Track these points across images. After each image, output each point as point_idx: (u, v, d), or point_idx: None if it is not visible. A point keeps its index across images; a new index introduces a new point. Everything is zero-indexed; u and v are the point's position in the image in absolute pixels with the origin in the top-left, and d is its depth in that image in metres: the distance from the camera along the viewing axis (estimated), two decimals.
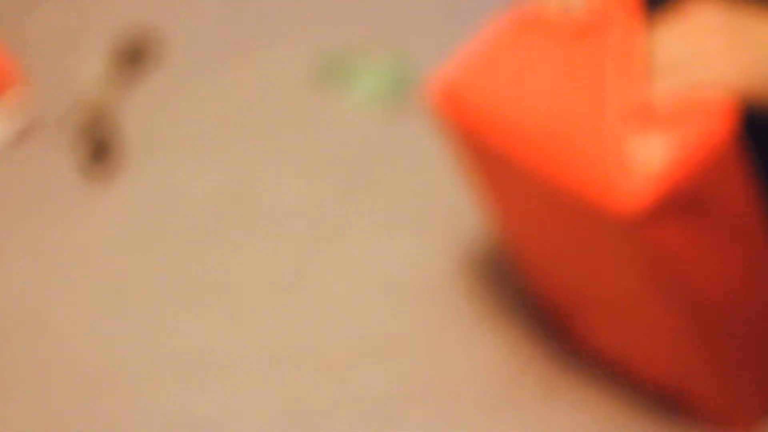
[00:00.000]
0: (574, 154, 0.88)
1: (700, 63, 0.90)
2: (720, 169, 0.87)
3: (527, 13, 0.95)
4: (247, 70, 1.36)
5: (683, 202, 0.87)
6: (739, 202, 0.90)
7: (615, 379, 1.04)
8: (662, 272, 0.89)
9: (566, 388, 1.05)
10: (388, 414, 1.04)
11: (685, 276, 0.90)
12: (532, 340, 1.08)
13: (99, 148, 1.28)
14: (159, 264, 1.17)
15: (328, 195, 1.22)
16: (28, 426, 1.04)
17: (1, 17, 1.45)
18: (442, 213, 1.19)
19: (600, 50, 0.91)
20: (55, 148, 1.29)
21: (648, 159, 0.86)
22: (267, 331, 1.11)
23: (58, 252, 1.18)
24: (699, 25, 0.91)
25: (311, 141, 1.28)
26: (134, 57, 1.39)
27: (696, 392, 0.99)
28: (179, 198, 1.23)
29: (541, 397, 1.04)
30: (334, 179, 1.24)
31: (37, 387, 1.07)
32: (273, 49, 1.38)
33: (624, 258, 0.90)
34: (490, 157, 0.96)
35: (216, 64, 1.37)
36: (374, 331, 1.10)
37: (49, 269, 1.17)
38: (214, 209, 1.21)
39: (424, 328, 1.10)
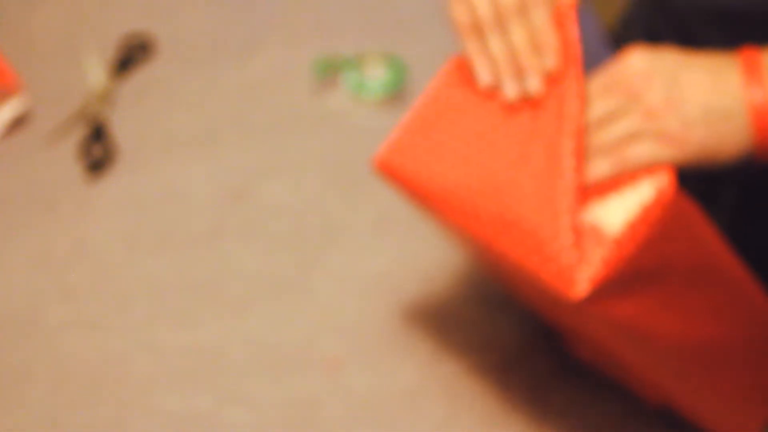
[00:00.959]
0: (514, 230, 0.86)
1: (627, 131, 0.86)
2: (666, 233, 0.84)
3: (465, 78, 0.93)
4: (245, 70, 1.36)
5: (635, 273, 0.84)
6: (698, 254, 0.87)
7: (609, 383, 1.04)
8: (628, 333, 0.87)
9: (560, 388, 1.05)
10: (385, 414, 1.04)
11: (655, 330, 0.87)
12: (527, 341, 1.08)
13: (97, 147, 1.28)
14: (157, 262, 1.17)
15: (325, 194, 1.22)
16: (26, 423, 1.04)
17: (0, 18, 1.45)
18: None
19: (539, 121, 0.88)
20: (54, 147, 1.29)
21: (590, 234, 0.84)
22: (264, 329, 1.11)
23: (56, 249, 1.18)
24: (624, 83, 0.87)
25: (308, 140, 1.28)
26: (133, 57, 1.39)
27: (687, 414, 0.99)
28: (178, 197, 1.23)
29: (535, 397, 1.04)
30: (330, 179, 1.24)
31: (34, 384, 1.07)
32: (271, 50, 1.39)
33: (586, 322, 0.88)
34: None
35: (215, 65, 1.37)
36: (372, 330, 1.10)
37: (46, 266, 1.17)
38: (213, 208, 1.22)
39: (421, 328, 1.10)
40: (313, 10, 1.44)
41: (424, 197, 0.93)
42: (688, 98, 0.86)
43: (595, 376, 1.04)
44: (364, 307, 1.12)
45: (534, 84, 0.91)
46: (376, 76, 1.33)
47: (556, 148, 0.86)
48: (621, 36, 1.23)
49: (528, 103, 0.90)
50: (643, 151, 0.86)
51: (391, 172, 0.95)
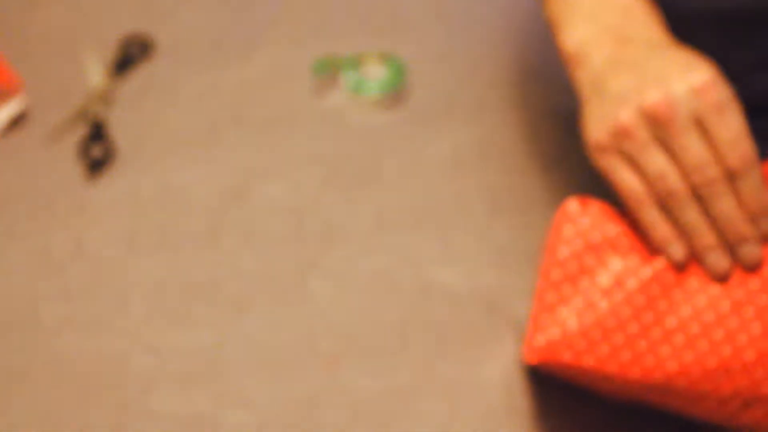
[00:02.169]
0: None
1: None
2: None
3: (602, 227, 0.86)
4: (245, 70, 1.36)
5: None
6: None
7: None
8: None
9: (560, 388, 1.05)
10: (384, 414, 1.04)
11: None
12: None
13: (97, 147, 1.28)
14: (156, 262, 1.17)
15: (325, 194, 1.22)
16: (23, 424, 1.04)
17: (0, 18, 1.45)
18: (439, 212, 1.19)
19: (753, 286, 0.83)
20: (53, 147, 1.29)
21: None
22: (263, 329, 1.11)
23: (55, 249, 1.18)
24: None
25: (308, 140, 1.28)
26: (133, 57, 1.39)
27: None
28: (177, 197, 1.23)
29: (535, 397, 1.04)
30: (330, 178, 1.24)
31: (31, 385, 1.07)
32: (271, 50, 1.38)
33: None
34: None
35: (215, 65, 1.37)
36: (371, 330, 1.10)
37: (45, 266, 1.17)
38: (212, 207, 1.21)
39: (421, 328, 1.10)
40: (313, 10, 1.43)
41: (620, 385, 0.86)
42: None
43: None
44: (363, 307, 1.12)
45: (755, 253, 0.83)
46: (376, 76, 1.33)
47: None
48: None
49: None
50: None
51: (562, 364, 0.87)
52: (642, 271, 0.85)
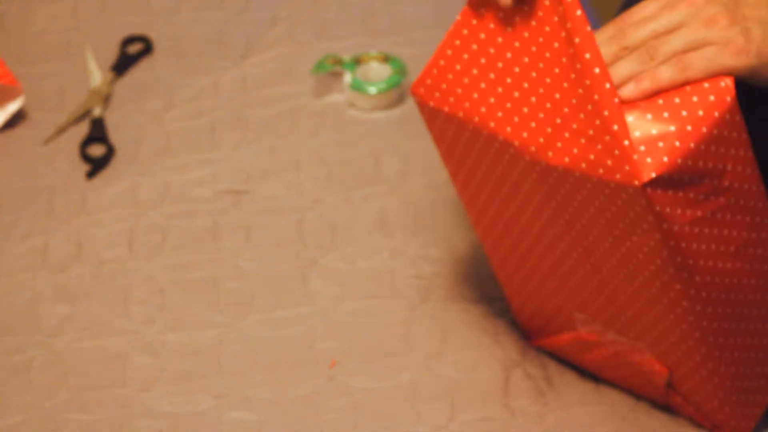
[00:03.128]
0: (569, 133, 0.88)
1: (690, 39, 0.89)
2: (723, 136, 0.87)
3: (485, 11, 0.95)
4: (245, 70, 1.36)
5: (693, 173, 0.87)
6: (741, 173, 0.90)
7: (608, 381, 1.04)
8: (669, 245, 0.89)
9: (560, 388, 1.05)
10: (385, 414, 1.04)
11: (691, 252, 0.90)
12: (527, 340, 1.08)
13: (97, 147, 1.28)
14: (156, 261, 1.17)
15: (325, 194, 1.22)
16: (24, 424, 1.04)
17: (0, 18, 1.45)
18: (439, 212, 1.19)
19: (555, 36, 0.90)
20: (53, 147, 1.29)
21: (654, 128, 0.87)
22: (264, 329, 1.11)
23: (55, 249, 1.18)
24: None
25: (308, 140, 1.28)
26: (132, 57, 1.39)
27: (688, 393, 0.99)
28: (177, 197, 1.23)
29: (535, 397, 1.04)
30: (330, 179, 1.24)
31: (32, 385, 1.07)
32: (271, 50, 1.39)
33: (628, 232, 0.90)
34: (475, 149, 0.95)
35: (215, 65, 1.37)
36: (372, 330, 1.10)
37: (45, 266, 1.17)
38: (212, 207, 1.22)
39: (421, 328, 1.10)
40: (313, 10, 1.44)
41: (467, 114, 0.93)
42: (747, 15, 0.89)
43: (595, 375, 1.04)
44: (364, 307, 1.12)
45: None
46: (376, 76, 1.33)
47: (579, 56, 0.88)
48: None
49: (535, 24, 0.91)
50: (706, 56, 0.88)
51: (431, 93, 0.96)
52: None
